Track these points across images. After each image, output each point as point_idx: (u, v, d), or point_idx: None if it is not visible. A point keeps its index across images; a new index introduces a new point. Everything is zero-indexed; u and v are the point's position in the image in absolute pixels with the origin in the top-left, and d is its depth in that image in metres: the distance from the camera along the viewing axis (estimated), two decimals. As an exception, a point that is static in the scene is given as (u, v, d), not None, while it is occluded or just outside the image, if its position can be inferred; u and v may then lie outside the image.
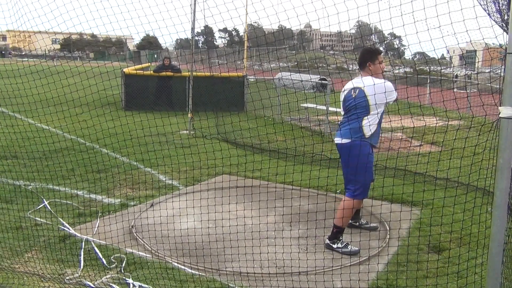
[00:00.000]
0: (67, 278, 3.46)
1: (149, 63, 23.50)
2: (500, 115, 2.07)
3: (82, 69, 4.47)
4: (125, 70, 13.78)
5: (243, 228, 3.89)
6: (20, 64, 4.52)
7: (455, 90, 14.04)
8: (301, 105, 12.00)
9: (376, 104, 3.82)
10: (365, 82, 3.83)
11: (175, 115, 10.38)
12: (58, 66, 4.64)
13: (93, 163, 6.50)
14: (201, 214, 4.16)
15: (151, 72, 14.84)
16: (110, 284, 3.38)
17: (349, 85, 4.11)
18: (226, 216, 4.17)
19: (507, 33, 2.07)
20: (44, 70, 4.19)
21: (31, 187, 5.70)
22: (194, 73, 10.59)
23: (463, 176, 5.05)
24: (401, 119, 4.21)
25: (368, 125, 3.92)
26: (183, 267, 3.70)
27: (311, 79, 13.37)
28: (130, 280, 3.41)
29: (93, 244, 4.07)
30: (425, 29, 2.54)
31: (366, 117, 3.91)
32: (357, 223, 4.62)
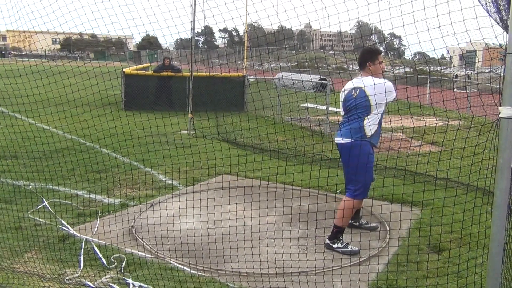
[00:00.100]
0: (67, 278, 3.46)
1: (149, 63, 23.51)
2: (500, 115, 2.07)
3: (83, 69, 4.48)
4: (125, 70, 13.78)
5: (243, 228, 3.89)
6: (20, 64, 4.52)
7: (455, 90, 14.04)
8: (301, 105, 12.00)
9: (376, 104, 3.82)
10: (366, 82, 3.84)
11: (176, 115, 10.38)
12: (59, 66, 4.65)
13: (93, 163, 6.50)
14: (201, 214, 4.17)
15: (151, 72, 14.84)
16: (110, 284, 3.38)
17: (349, 85, 4.11)
18: (226, 216, 4.17)
19: (507, 33, 2.07)
20: (45, 71, 4.19)
21: (31, 187, 5.70)
22: (194, 73, 10.59)
23: (463, 176, 5.06)
24: (401, 119, 4.21)
25: (369, 125, 3.93)
26: (183, 267, 3.70)
27: (311, 79, 13.37)
28: (130, 280, 3.41)
29: (93, 244, 4.07)
30: (425, 29, 2.54)
31: (367, 117, 3.91)
32: (357, 223, 4.62)
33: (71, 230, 4.39)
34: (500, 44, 2.39)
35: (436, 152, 7.84)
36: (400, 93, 4.06)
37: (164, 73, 13.70)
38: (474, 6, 2.36)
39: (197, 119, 9.86)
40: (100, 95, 4.69)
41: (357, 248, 4.07)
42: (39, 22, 3.79)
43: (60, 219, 4.66)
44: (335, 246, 4.07)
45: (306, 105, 12.09)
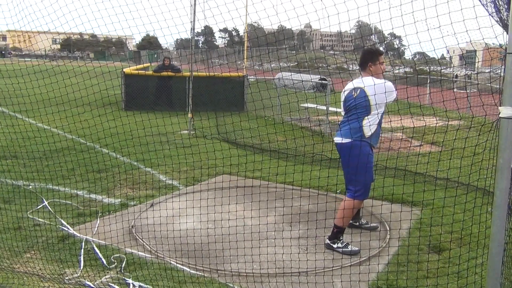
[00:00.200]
0: (67, 278, 3.46)
1: (149, 63, 23.51)
2: (500, 115, 2.07)
3: (83, 69, 4.48)
4: (125, 70, 13.78)
5: (243, 228, 3.89)
6: (20, 64, 4.52)
7: (455, 90, 14.04)
8: (301, 105, 11.99)
9: (376, 104, 3.82)
10: (366, 82, 3.84)
11: (176, 115, 10.39)
12: (59, 66, 4.64)
13: (94, 163, 6.50)
14: (201, 214, 4.16)
15: (151, 72, 14.84)
16: (110, 284, 3.37)
17: (349, 86, 4.12)
18: (226, 216, 4.17)
19: (507, 33, 2.07)
20: (45, 71, 4.19)
21: (31, 187, 5.70)
22: (194, 73, 10.59)
23: (463, 176, 5.05)
24: (401, 119, 4.21)
25: (369, 125, 3.93)
26: (183, 267, 3.70)
27: (311, 79, 13.37)
28: (130, 280, 3.41)
29: (93, 244, 4.07)
30: (425, 29, 2.54)
31: (366, 117, 3.92)
32: (357, 223, 4.62)
33: (71, 230, 4.39)
34: (500, 44, 2.39)
35: (436, 152, 7.84)
36: (400, 93, 4.06)
37: (164, 73, 13.70)
38: (474, 6, 2.35)
39: (197, 119, 9.86)
40: (100, 95, 4.68)
41: (357, 248, 4.07)
42: (40, 22, 3.80)
43: (60, 219, 4.66)
44: (335, 246, 4.07)
45: (306, 105, 12.09)
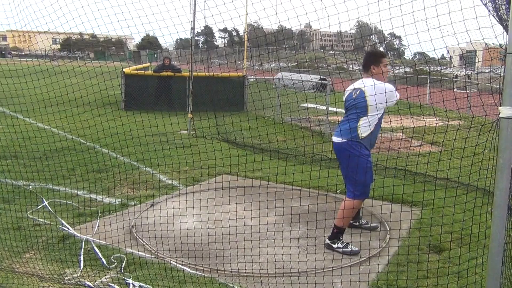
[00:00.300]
0: (67, 278, 3.46)
1: (149, 63, 23.50)
2: (500, 115, 2.07)
3: (83, 69, 4.48)
4: (125, 70, 13.79)
5: (243, 228, 3.89)
6: (20, 64, 4.52)
7: (455, 90, 14.04)
8: (301, 105, 11.99)
9: (375, 105, 3.82)
10: (366, 83, 3.87)
11: (175, 115, 10.39)
12: (59, 66, 4.65)
13: (93, 163, 6.50)
14: (201, 214, 4.16)
15: (151, 72, 14.84)
16: (110, 284, 3.38)
17: (351, 86, 4.14)
18: (226, 216, 4.17)
19: (507, 33, 2.08)
20: (45, 71, 4.19)
21: (31, 187, 5.70)
22: (194, 73, 10.59)
23: (463, 176, 5.06)
24: (401, 119, 4.22)
25: (365, 126, 3.92)
26: (183, 267, 3.70)
27: (311, 79, 13.37)
28: (130, 280, 3.41)
29: (93, 244, 4.06)
30: (425, 29, 2.54)
31: (363, 118, 3.92)
32: (357, 223, 4.63)
33: (71, 230, 4.39)
34: (500, 44, 2.39)
35: (436, 152, 7.84)
36: (400, 93, 4.06)
37: (164, 73, 13.71)
38: (474, 6, 2.36)
39: (197, 119, 9.86)
40: (100, 95, 4.69)
41: (357, 248, 4.07)
42: (40, 22, 3.80)
43: (60, 219, 4.66)
44: (335, 246, 4.07)
45: (306, 105, 12.09)
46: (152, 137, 5.22)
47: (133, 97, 13.37)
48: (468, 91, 15.47)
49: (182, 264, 3.74)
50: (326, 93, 10.97)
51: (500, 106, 2.08)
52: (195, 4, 9.61)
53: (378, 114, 3.92)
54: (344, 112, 4.18)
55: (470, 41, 2.70)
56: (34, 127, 8.23)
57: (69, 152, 6.92)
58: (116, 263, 3.72)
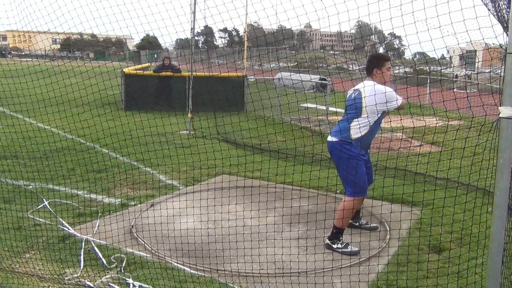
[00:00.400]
0: (67, 278, 3.46)
1: (149, 63, 23.51)
2: (500, 115, 2.07)
3: (82, 69, 4.48)
4: (125, 70, 13.79)
5: (243, 228, 3.89)
6: (20, 64, 4.52)
7: (455, 90, 14.04)
8: (301, 105, 12.00)
9: (369, 106, 3.82)
10: (366, 84, 3.91)
11: (175, 115, 10.39)
12: (59, 66, 4.65)
13: (93, 163, 6.50)
14: (201, 214, 4.16)
15: (151, 72, 14.84)
16: (110, 284, 3.37)
17: (353, 88, 4.16)
18: (226, 216, 4.17)
19: (507, 33, 2.08)
20: (45, 71, 4.19)
21: (31, 187, 5.70)
22: (194, 73, 10.59)
23: (463, 176, 5.05)
24: (401, 119, 4.21)
25: (356, 127, 3.93)
26: (183, 267, 3.70)
27: (311, 79, 13.37)
28: (130, 280, 3.41)
29: (93, 244, 4.06)
30: (425, 29, 2.54)
31: (356, 119, 3.94)
32: (357, 223, 4.63)
33: (71, 230, 4.39)
34: (500, 44, 2.39)
35: (436, 152, 7.84)
36: (400, 93, 4.06)
37: (164, 73, 13.71)
38: (474, 6, 2.36)
39: (197, 119, 9.86)
40: (100, 94, 4.69)
41: (357, 249, 4.07)
42: (40, 22, 3.80)
43: (60, 219, 4.66)
44: (335, 246, 4.07)
45: (306, 105, 12.09)
46: (152, 137, 5.22)
47: (133, 97, 13.37)
48: (468, 91, 15.48)
49: (182, 264, 3.74)
50: (326, 93, 10.97)
51: (500, 106, 2.08)
52: (195, 4, 9.61)
53: (372, 116, 3.90)
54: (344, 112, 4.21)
55: (470, 41, 2.70)
56: (34, 127, 8.23)
57: (69, 152, 6.92)
58: (116, 263, 3.72)
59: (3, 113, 10.38)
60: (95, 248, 3.98)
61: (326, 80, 11.85)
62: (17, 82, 4.14)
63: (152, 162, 6.87)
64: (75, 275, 3.51)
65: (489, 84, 3.52)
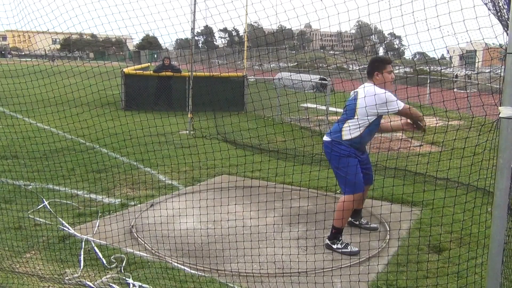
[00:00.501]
0: (67, 278, 3.46)
1: (149, 63, 23.50)
2: (500, 115, 2.07)
3: (82, 69, 4.48)
4: (125, 70, 13.79)
5: (243, 228, 3.89)
6: (20, 64, 4.52)
7: (455, 90, 14.04)
8: (301, 105, 11.99)
9: (360, 108, 3.82)
10: (365, 85, 3.94)
11: (175, 115, 10.39)
12: (58, 66, 4.65)
13: (93, 163, 6.50)
14: (201, 214, 4.16)
15: (151, 72, 14.84)
16: (110, 284, 3.37)
17: (354, 90, 4.18)
18: (226, 216, 4.17)
19: (507, 33, 2.07)
20: (44, 71, 4.19)
21: (31, 187, 5.70)
22: (194, 73, 10.59)
23: (463, 176, 5.06)
24: (401, 119, 4.22)
25: (346, 129, 3.96)
26: (183, 267, 3.70)
27: (311, 79, 13.37)
28: (130, 280, 3.41)
29: (93, 244, 4.06)
30: (425, 29, 2.54)
31: (348, 120, 3.97)
32: (357, 222, 4.63)
33: (71, 230, 4.39)
34: (500, 44, 2.39)
35: (436, 152, 7.84)
36: (400, 93, 4.05)
37: (164, 73, 13.70)
38: (474, 6, 2.36)
39: (197, 120, 9.86)
40: (99, 95, 4.69)
41: (357, 249, 4.07)
42: (40, 22, 3.80)
43: (60, 219, 4.66)
44: (335, 246, 4.08)
45: (306, 105, 12.09)
46: (152, 137, 5.22)
47: (133, 97, 13.37)
48: (468, 91, 15.48)
49: (182, 264, 3.74)
50: (326, 93, 10.97)
51: (500, 106, 2.08)
52: (195, 4, 9.61)
53: (363, 119, 3.89)
54: None
55: (470, 41, 2.70)
56: (34, 127, 8.23)
57: (69, 152, 6.92)
58: (116, 263, 3.72)
59: (3, 113, 10.38)
60: (95, 248, 3.98)
61: (326, 80, 11.85)
62: (16, 82, 4.14)
63: (152, 162, 6.87)
64: (75, 275, 3.51)
65: (489, 84, 3.52)
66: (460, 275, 3.46)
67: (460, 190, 5.24)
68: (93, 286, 3.33)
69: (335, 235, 4.09)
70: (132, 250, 3.94)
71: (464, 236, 3.98)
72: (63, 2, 3.66)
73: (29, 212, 4.81)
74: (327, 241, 4.13)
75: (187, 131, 10.07)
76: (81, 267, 3.65)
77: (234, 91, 13.61)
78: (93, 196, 5.52)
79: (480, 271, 3.35)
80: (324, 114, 10.61)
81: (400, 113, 3.95)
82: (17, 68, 4.30)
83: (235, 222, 4.19)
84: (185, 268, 3.69)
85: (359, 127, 3.91)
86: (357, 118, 3.90)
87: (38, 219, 4.65)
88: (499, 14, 2.55)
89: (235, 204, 5.26)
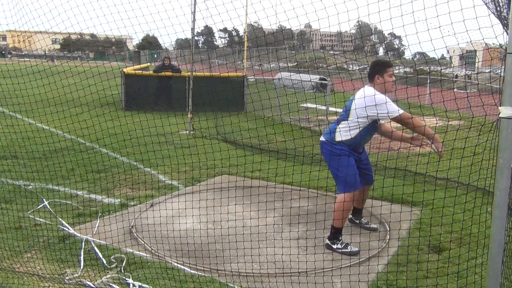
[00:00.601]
0: (67, 278, 3.46)
1: (149, 63, 23.51)
2: (500, 115, 2.07)
3: (82, 69, 4.47)
4: (125, 70, 13.79)
5: (243, 228, 3.89)
6: (20, 64, 4.52)
7: (455, 90, 14.04)
8: (301, 105, 11.99)
9: (356, 109, 3.82)
10: (364, 87, 3.93)
11: (175, 115, 10.39)
12: (58, 66, 4.64)
13: (93, 163, 6.50)
14: (201, 214, 4.17)
15: (151, 72, 14.84)
16: (110, 284, 3.37)
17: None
18: (226, 216, 4.17)
19: (507, 33, 2.07)
20: (45, 71, 4.18)
21: (31, 187, 5.70)
22: (194, 73, 10.59)
23: (463, 176, 5.05)
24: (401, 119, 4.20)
25: (337, 130, 4.01)
26: (183, 267, 3.70)
27: (311, 79, 13.36)
28: (130, 280, 3.41)
29: (93, 244, 4.06)
30: (425, 29, 2.54)
31: (343, 122, 4.00)
32: (358, 221, 4.64)
33: (71, 230, 4.39)
34: (500, 44, 2.39)
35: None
36: (400, 93, 4.05)
37: (164, 73, 13.70)
38: (474, 6, 2.36)
39: (197, 120, 9.86)
40: (99, 95, 4.70)
41: (356, 249, 4.07)
42: (39, 22, 3.79)
43: (60, 219, 4.66)
44: (335, 246, 4.08)
45: (306, 105, 12.09)
46: (152, 137, 5.22)
47: (133, 97, 13.37)
48: (468, 91, 15.47)
49: (182, 264, 3.74)
50: (326, 93, 10.97)
51: (500, 106, 2.08)
52: (195, 4, 9.61)
53: (353, 122, 3.89)
54: None
55: (470, 41, 2.70)
56: (34, 127, 8.23)
57: (69, 153, 6.92)
58: (116, 263, 3.71)
59: (2, 113, 10.39)
60: (95, 248, 3.98)
61: (326, 80, 11.85)
62: (16, 82, 4.14)
63: (152, 162, 6.87)
64: (75, 275, 3.51)
65: (489, 84, 3.52)
66: (460, 275, 3.46)
67: (460, 190, 5.24)
68: (93, 286, 3.33)
69: (335, 235, 4.09)
70: (132, 250, 3.94)
71: (464, 236, 3.98)
72: (62, 1, 3.66)
73: (29, 212, 4.81)
74: (327, 241, 4.13)
75: (187, 131, 10.07)
76: (81, 267, 3.64)
77: (234, 91, 13.62)
78: (93, 196, 5.52)
79: (480, 271, 3.35)
80: (324, 114, 10.60)
81: (396, 120, 3.82)
82: (17, 68, 4.30)
83: (235, 222, 4.19)
84: (185, 268, 3.69)
85: (350, 130, 3.91)
86: (349, 120, 3.92)
87: (38, 219, 4.65)
88: (499, 14, 2.55)
89: (235, 204, 5.26)
